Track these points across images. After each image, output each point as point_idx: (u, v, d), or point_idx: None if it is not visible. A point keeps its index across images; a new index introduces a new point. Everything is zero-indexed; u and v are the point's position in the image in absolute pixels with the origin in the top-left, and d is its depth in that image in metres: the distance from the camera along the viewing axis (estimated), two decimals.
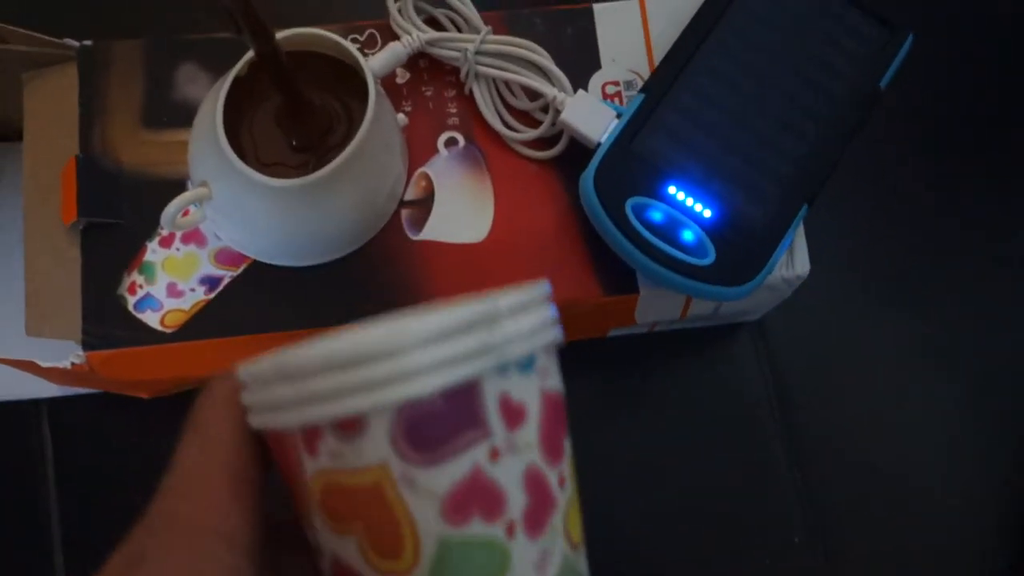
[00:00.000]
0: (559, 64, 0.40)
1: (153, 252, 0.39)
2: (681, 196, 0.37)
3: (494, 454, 0.22)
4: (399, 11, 0.40)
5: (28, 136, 0.40)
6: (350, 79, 0.37)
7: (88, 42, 0.41)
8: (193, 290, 0.38)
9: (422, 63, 0.41)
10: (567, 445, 0.25)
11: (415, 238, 0.39)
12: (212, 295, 0.38)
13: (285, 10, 0.44)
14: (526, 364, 0.23)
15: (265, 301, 0.38)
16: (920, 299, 0.49)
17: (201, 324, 0.38)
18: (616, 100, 0.41)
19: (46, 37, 0.39)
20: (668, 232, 0.36)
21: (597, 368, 0.47)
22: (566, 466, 0.24)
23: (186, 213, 0.37)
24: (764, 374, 0.47)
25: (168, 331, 0.38)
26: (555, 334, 0.24)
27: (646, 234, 0.36)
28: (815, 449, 0.46)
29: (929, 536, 0.46)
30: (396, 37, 0.40)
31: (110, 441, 0.46)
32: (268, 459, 0.24)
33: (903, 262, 0.49)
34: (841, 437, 0.47)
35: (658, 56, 0.41)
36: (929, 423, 0.47)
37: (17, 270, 0.39)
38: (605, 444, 0.46)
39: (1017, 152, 0.51)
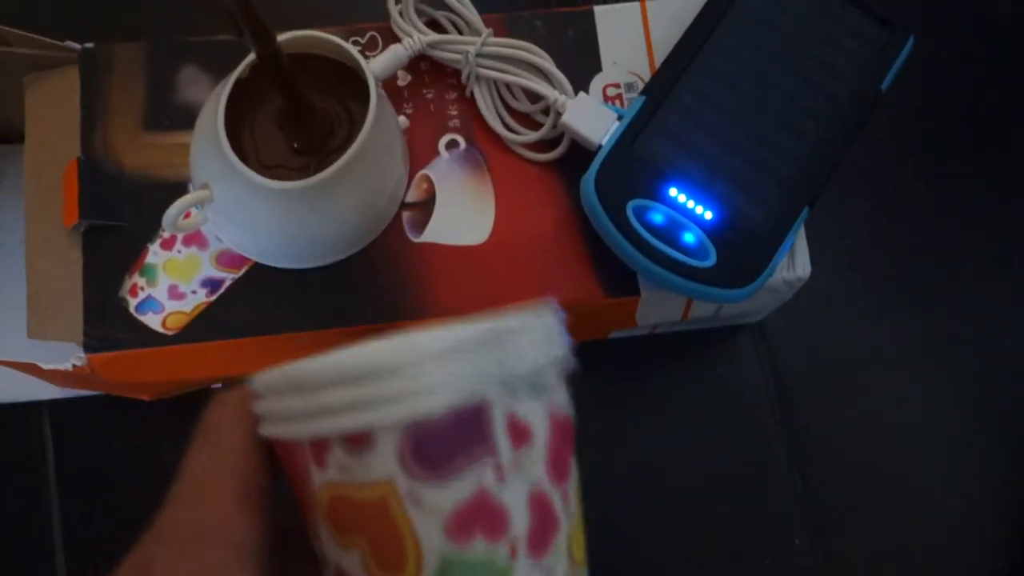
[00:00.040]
0: (560, 66, 0.40)
1: (154, 254, 0.39)
2: (682, 198, 0.37)
3: (500, 473, 0.22)
4: (400, 13, 0.40)
5: (30, 138, 0.40)
6: (351, 81, 0.37)
7: (90, 45, 0.41)
8: (194, 292, 0.38)
9: (423, 65, 0.41)
10: (573, 465, 0.25)
11: (416, 240, 0.39)
12: (213, 297, 0.38)
13: (286, 13, 0.44)
14: (534, 384, 0.23)
15: (266, 303, 0.38)
16: (920, 299, 0.49)
17: (202, 326, 0.38)
18: (617, 102, 0.41)
19: (48, 40, 0.39)
20: (669, 234, 0.36)
21: (598, 370, 0.47)
22: (572, 486, 0.24)
23: (187, 215, 0.37)
24: (765, 375, 0.47)
25: (169, 333, 0.38)
26: (564, 354, 0.24)
27: (647, 236, 0.36)
28: (815, 450, 0.46)
29: (929, 536, 0.46)
30: (397, 39, 0.40)
31: (111, 443, 0.46)
32: (277, 467, 0.24)
33: (903, 262, 0.49)
34: (841, 437, 0.47)
35: (659, 58, 0.41)
36: (929, 423, 0.47)
37: (19, 272, 0.39)
38: (606, 445, 0.46)
39: (1017, 152, 0.51)
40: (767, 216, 0.37)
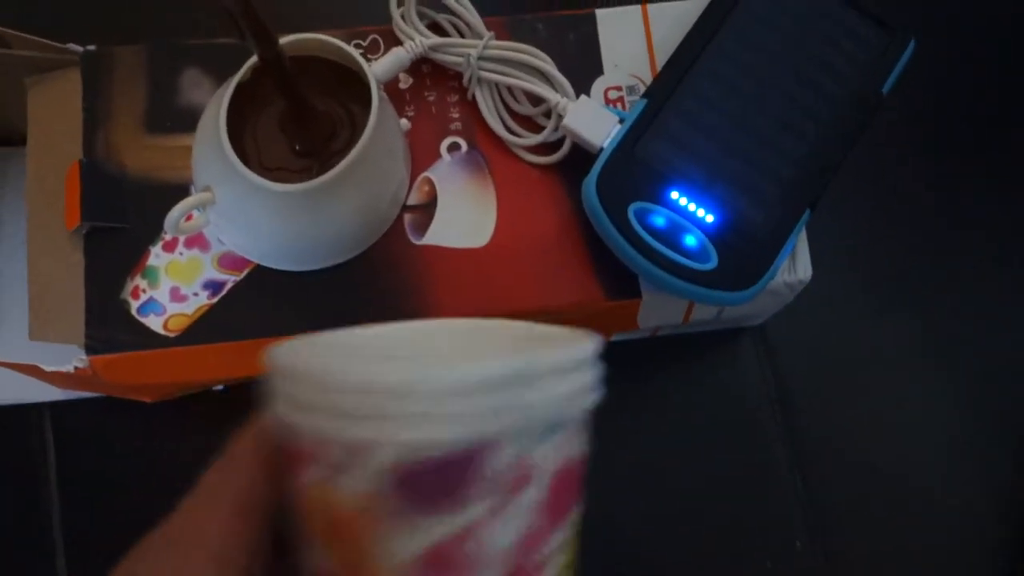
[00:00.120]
0: (562, 69, 0.40)
1: (156, 256, 0.39)
2: (684, 201, 0.37)
3: (490, 518, 0.21)
4: (402, 16, 0.40)
5: (32, 141, 0.40)
6: (353, 84, 0.37)
7: (91, 47, 0.41)
8: (196, 294, 0.38)
9: (425, 68, 0.41)
10: (576, 506, 0.23)
11: (418, 243, 0.39)
12: (215, 299, 0.38)
13: (288, 15, 0.44)
14: (551, 429, 0.21)
15: (268, 305, 0.38)
16: (920, 299, 0.49)
17: (204, 328, 0.38)
18: (618, 105, 0.41)
19: (49, 42, 0.39)
20: (671, 237, 0.36)
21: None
22: (565, 533, 0.23)
23: (189, 218, 0.37)
24: (766, 378, 0.47)
25: (171, 335, 0.38)
26: (593, 401, 0.23)
27: (648, 239, 0.36)
28: (816, 451, 0.46)
29: (929, 536, 0.46)
30: (399, 42, 0.40)
31: (113, 445, 0.46)
32: (285, 487, 0.24)
33: (903, 263, 0.49)
34: (842, 439, 0.47)
35: (660, 61, 0.41)
36: (929, 423, 0.47)
37: (20, 274, 0.39)
38: (607, 447, 0.46)
39: (1017, 152, 0.51)
40: (768, 219, 0.37)
